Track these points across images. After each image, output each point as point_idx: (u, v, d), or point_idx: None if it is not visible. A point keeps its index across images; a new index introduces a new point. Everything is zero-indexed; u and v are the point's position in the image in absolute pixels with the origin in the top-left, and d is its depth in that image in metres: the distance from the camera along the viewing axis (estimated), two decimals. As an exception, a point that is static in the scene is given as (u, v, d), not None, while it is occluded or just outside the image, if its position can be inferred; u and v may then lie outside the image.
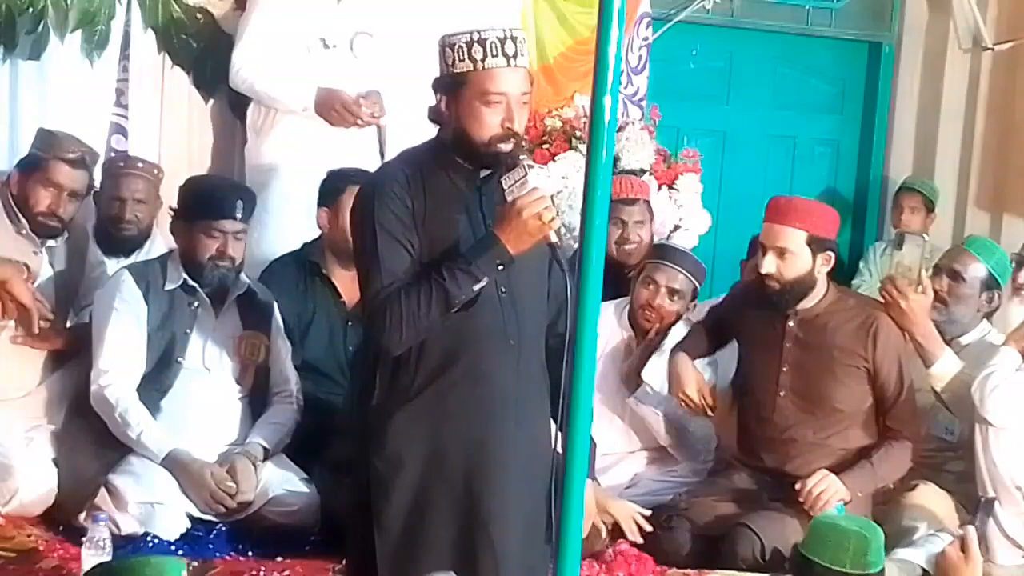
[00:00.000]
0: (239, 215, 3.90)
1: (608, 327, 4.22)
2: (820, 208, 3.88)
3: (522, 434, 2.81)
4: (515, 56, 2.75)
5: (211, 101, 5.06)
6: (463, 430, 2.78)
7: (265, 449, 3.89)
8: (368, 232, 2.76)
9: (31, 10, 4.59)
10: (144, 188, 4.40)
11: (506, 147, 2.76)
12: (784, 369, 3.88)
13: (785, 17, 6.65)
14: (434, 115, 2.85)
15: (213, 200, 3.92)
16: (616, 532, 3.79)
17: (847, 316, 3.87)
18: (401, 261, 2.74)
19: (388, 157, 4.81)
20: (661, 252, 4.45)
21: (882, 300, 3.94)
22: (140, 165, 4.45)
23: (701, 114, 6.53)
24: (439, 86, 2.81)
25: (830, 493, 3.73)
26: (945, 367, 3.92)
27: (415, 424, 2.78)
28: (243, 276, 4.04)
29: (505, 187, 2.74)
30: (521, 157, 2.79)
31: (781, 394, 3.89)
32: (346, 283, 4.31)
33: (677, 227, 5.38)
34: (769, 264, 3.78)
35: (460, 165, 2.81)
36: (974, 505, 3.93)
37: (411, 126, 4.74)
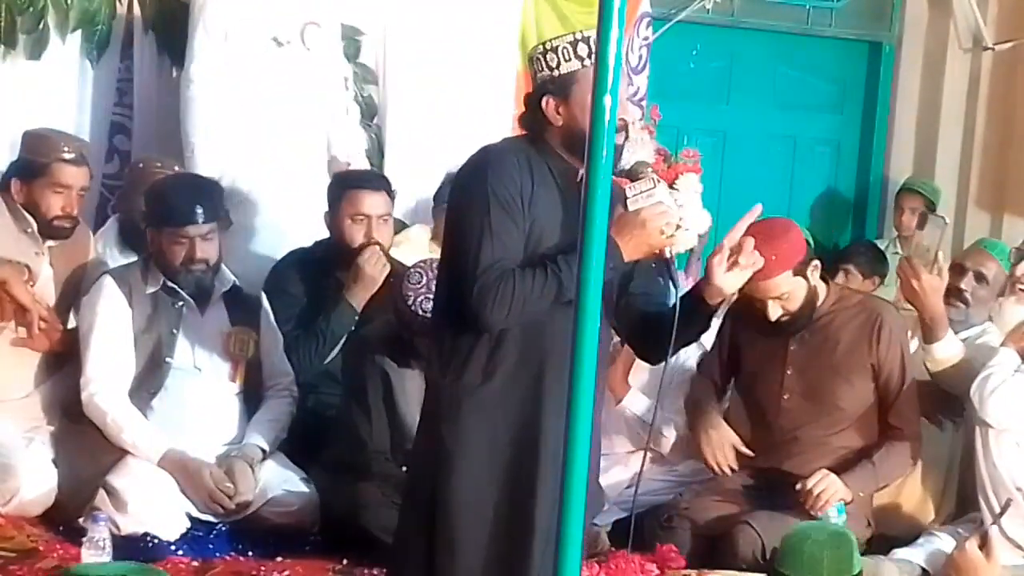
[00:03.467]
0: (201, 219, 3.87)
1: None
2: (783, 236, 3.70)
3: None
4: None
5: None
6: (535, 421, 2.75)
7: (263, 449, 3.89)
8: (479, 204, 2.71)
9: (31, 10, 4.60)
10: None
11: (619, 139, 2.73)
12: (788, 372, 3.89)
13: (785, 17, 6.65)
14: (532, 122, 2.85)
15: (173, 206, 3.90)
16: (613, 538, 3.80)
17: (851, 314, 3.88)
18: (512, 237, 2.72)
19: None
20: None
21: (896, 275, 3.97)
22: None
23: (701, 114, 6.53)
24: (545, 90, 2.81)
25: (830, 493, 3.73)
26: (945, 351, 3.95)
27: (489, 408, 2.76)
28: (227, 272, 4.04)
29: (629, 195, 2.76)
30: (649, 170, 2.81)
31: (786, 397, 3.90)
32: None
33: (677, 227, 5.36)
34: (775, 311, 3.78)
35: (563, 161, 2.81)
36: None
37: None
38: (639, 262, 2.87)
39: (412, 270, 3.74)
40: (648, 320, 2.93)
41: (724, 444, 3.94)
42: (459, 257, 2.75)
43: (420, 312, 3.60)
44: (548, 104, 2.80)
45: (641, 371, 4.23)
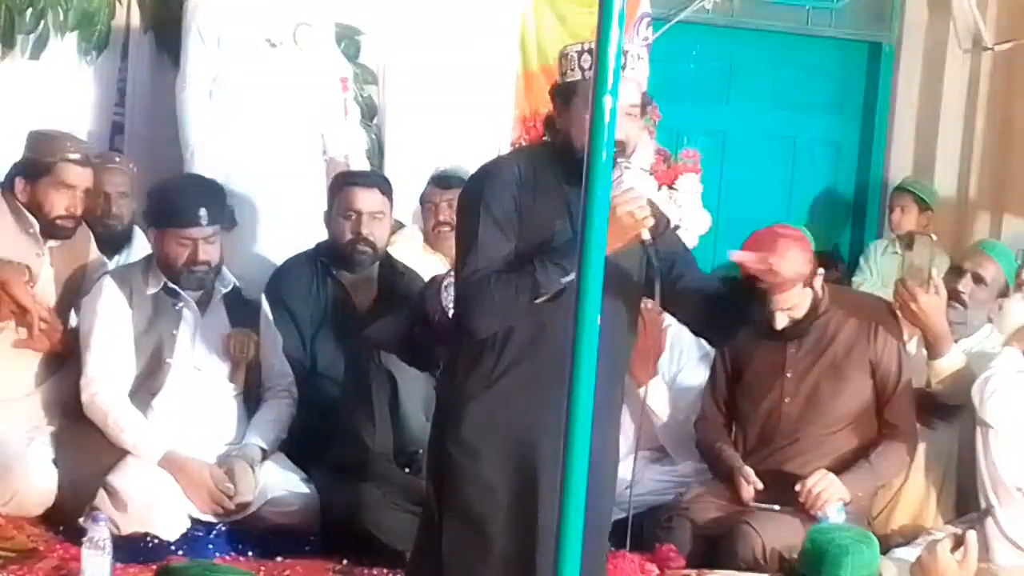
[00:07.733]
0: (204, 221, 3.88)
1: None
2: (792, 246, 3.58)
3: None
4: (623, 68, 2.75)
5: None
6: (538, 424, 2.76)
7: (263, 450, 3.90)
8: (473, 215, 2.81)
9: (31, 10, 4.61)
10: (124, 183, 4.41)
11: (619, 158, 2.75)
12: (788, 375, 3.90)
13: (785, 17, 6.65)
14: (547, 123, 2.93)
15: (177, 208, 3.91)
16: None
17: (847, 314, 3.89)
18: (499, 248, 2.78)
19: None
20: None
21: (893, 300, 3.97)
22: (117, 160, 4.47)
23: (701, 114, 6.53)
24: (555, 95, 2.88)
25: (829, 492, 3.74)
26: (950, 362, 3.95)
27: (493, 412, 2.81)
28: (227, 273, 4.05)
29: None
30: (619, 160, 2.80)
31: (787, 400, 3.91)
32: (355, 286, 4.32)
33: (677, 227, 5.37)
34: (782, 320, 3.80)
35: (569, 170, 2.82)
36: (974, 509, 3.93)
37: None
38: (673, 244, 2.93)
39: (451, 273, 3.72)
40: (709, 302, 2.92)
41: (748, 475, 3.89)
42: (456, 268, 2.85)
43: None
44: (555, 109, 2.87)
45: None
